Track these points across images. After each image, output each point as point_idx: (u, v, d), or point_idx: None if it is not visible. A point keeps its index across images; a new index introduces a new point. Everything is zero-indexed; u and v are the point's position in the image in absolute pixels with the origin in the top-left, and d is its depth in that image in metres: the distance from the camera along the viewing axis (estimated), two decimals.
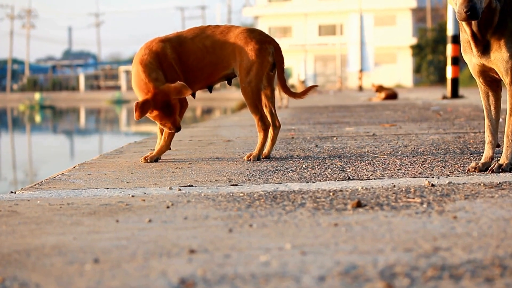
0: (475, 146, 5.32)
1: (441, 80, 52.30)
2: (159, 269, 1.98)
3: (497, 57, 3.68)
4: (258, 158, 4.76)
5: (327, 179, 3.78)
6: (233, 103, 40.45)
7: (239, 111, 17.84)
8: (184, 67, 4.76)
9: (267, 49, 4.70)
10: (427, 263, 1.96)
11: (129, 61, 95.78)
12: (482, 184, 3.39)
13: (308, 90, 4.94)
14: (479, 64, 3.79)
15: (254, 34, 4.73)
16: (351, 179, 3.74)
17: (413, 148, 5.26)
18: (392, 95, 19.16)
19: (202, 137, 7.16)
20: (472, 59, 3.80)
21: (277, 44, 4.79)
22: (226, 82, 4.93)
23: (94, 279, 1.90)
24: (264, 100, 4.87)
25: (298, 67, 58.83)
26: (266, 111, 4.88)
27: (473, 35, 3.72)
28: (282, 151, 5.35)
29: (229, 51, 4.72)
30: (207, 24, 4.94)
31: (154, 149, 5.02)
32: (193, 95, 4.89)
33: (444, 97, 17.06)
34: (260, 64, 4.67)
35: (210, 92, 5.05)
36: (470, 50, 3.79)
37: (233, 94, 46.03)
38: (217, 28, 4.80)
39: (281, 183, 3.68)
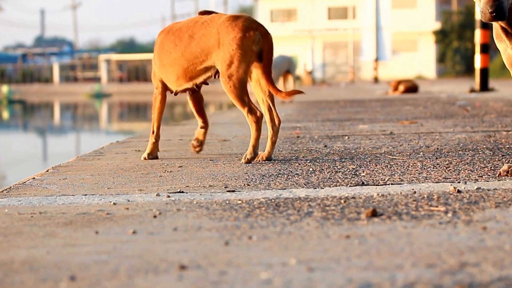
0: (507, 146, 5.33)
1: (469, 70, 52.38)
2: None
3: None
4: (255, 154, 4.75)
5: (338, 184, 3.79)
6: (229, 98, 40.48)
7: (236, 107, 17.86)
8: (166, 60, 4.95)
9: (251, 37, 4.72)
10: (453, 281, 1.96)
11: (110, 49, 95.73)
12: None
13: (294, 92, 4.98)
14: None
15: (237, 22, 4.75)
16: (365, 185, 3.74)
17: (436, 149, 5.27)
18: (412, 88, 19.18)
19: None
20: (507, 48, 3.80)
21: (265, 30, 4.82)
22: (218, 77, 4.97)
23: None
24: (261, 94, 4.90)
25: (305, 55, 58.95)
26: (264, 107, 4.91)
27: (503, 28, 3.72)
28: (286, 152, 5.36)
29: (211, 42, 4.79)
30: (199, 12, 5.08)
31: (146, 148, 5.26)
32: (174, 93, 5.07)
33: (472, 90, 17.08)
34: (242, 55, 4.70)
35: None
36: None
37: None
38: (201, 19, 4.91)
39: (284, 189, 3.68)
